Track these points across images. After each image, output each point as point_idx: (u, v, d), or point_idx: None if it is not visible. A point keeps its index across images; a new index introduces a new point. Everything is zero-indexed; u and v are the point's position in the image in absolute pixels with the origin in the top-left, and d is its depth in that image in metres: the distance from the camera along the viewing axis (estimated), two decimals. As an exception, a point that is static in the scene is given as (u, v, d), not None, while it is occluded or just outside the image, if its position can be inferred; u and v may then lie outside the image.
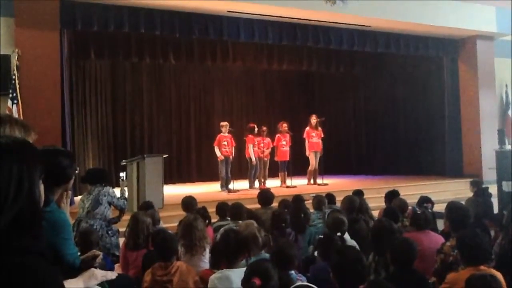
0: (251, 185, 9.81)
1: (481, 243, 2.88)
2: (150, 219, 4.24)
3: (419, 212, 3.93)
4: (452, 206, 4.04)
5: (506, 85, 11.42)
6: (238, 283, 2.72)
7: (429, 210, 4.54)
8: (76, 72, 9.95)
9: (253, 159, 9.66)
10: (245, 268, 2.82)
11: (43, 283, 1.07)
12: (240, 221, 4.40)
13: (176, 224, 4.94)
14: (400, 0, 9.28)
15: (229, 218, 4.90)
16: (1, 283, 1.02)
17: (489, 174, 9.44)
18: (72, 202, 6.47)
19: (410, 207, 4.74)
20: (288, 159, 10.00)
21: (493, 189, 6.92)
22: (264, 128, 10.08)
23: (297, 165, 10.59)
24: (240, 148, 10.35)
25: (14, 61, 7.00)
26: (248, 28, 8.99)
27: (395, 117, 12.53)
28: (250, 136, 9.71)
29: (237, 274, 2.79)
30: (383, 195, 5.90)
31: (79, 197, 5.69)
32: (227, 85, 13.08)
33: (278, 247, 3.12)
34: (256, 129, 9.78)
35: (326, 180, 10.18)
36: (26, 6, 7.09)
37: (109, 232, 4.98)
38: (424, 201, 5.22)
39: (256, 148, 9.81)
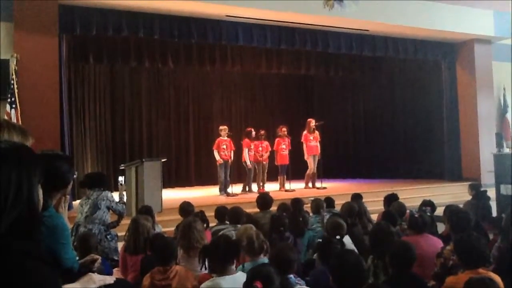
0: (244, 189, 9.83)
1: (478, 246, 2.88)
2: (150, 224, 4.24)
3: (416, 215, 3.93)
4: (453, 210, 4.05)
5: (504, 89, 11.44)
6: None
7: (428, 214, 4.53)
8: (75, 76, 9.96)
9: (248, 163, 9.67)
10: (236, 275, 2.81)
11: (42, 286, 1.07)
12: (239, 225, 4.40)
13: (174, 228, 4.94)
14: (398, 4, 9.32)
15: (228, 222, 4.90)
16: (1, 286, 1.02)
17: (487, 177, 9.44)
18: (70, 207, 6.48)
19: (408, 211, 4.74)
20: (287, 163, 10.01)
21: (491, 192, 6.94)
22: (262, 132, 10.07)
23: (296, 169, 10.59)
24: (239, 152, 10.35)
25: (12, 65, 7.00)
26: (246, 32, 9.01)
27: (394, 121, 12.55)
28: (246, 140, 9.72)
29: (228, 282, 2.75)
30: (382, 198, 5.90)
31: (78, 201, 5.69)
32: (226, 89, 13.10)
33: (277, 251, 3.12)
34: (253, 133, 9.78)
35: (325, 184, 10.18)
36: (25, 10, 7.11)
37: (108, 236, 4.97)
38: (425, 204, 5.22)
39: (253, 152, 9.81)
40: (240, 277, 2.71)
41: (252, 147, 9.81)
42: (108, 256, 4.78)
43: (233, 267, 2.94)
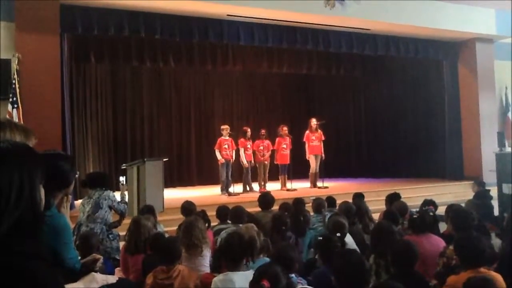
0: (244, 189, 9.82)
1: (478, 245, 2.87)
2: (151, 224, 4.24)
3: (415, 216, 3.93)
4: (455, 209, 4.04)
5: (506, 88, 11.42)
6: (241, 286, 2.72)
7: (431, 214, 4.53)
8: (77, 76, 9.96)
9: (244, 162, 9.66)
10: (248, 272, 2.83)
11: (43, 286, 1.07)
12: (240, 225, 4.41)
13: (176, 227, 4.95)
14: (400, 3, 9.31)
15: (229, 222, 4.90)
16: (2, 286, 1.02)
17: (489, 177, 9.41)
18: (72, 206, 6.48)
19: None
20: (288, 162, 9.99)
21: (493, 192, 6.92)
22: (263, 131, 10.06)
23: (297, 168, 10.58)
24: (240, 151, 10.35)
25: (14, 65, 7.00)
26: (248, 31, 9.00)
27: (395, 120, 12.53)
28: (241, 140, 9.71)
29: (240, 277, 2.80)
30: (384, 198, 5.90)
31: (80, 201, 5.69)
32: (227, 89, 13.10)
33: (279, 250, 3.12)
34: (248, 133, 9.77)
35: (327, 183, 10.17)
36: (26, 10, 7.11)
37: (110, 236, 4.98)
38: (427, 204, 5.22)
39: (250, 151, 9.80)
40: (252, 274, 2.73)
41: (249, 146, 9.81)
42: (110, 255, 4.79)
43: (245, 264, 2.98)
